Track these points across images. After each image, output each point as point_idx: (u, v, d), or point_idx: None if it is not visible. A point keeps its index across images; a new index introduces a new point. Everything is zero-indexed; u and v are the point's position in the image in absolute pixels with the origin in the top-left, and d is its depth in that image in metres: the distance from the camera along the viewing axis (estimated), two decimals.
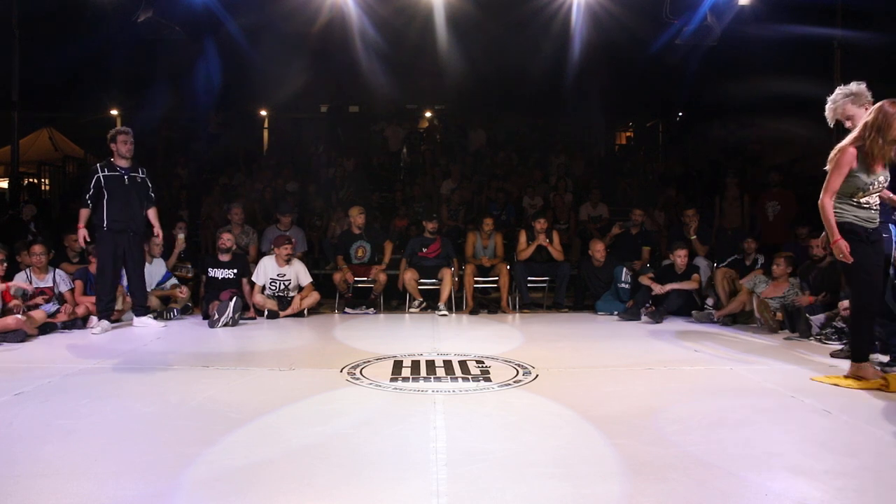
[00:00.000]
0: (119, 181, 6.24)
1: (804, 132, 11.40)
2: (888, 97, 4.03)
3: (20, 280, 6.23)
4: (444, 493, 2.42)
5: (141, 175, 6.40)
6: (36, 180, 13.07)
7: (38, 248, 6.34)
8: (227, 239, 7.31)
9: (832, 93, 4.31)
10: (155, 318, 6.88)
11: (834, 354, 5.10)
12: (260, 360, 5.14)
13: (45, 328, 5.97)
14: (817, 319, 5.80)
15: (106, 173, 6.21)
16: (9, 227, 8.65)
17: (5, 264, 6.01)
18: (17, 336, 5.50)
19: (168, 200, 10.56)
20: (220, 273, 7.19)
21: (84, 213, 6.16)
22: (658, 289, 7.07)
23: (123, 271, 6.38)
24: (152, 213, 6.50)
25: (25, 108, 10.67)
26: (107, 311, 6.22)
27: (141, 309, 6.48)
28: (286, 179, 11.43)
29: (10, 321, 5.53)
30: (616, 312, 7.32)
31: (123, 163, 6.27)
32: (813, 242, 6.33)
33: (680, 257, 7.27)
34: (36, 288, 6.29)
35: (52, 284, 6.39)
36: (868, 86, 4.35)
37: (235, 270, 7.23)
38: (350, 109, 17.07)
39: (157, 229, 6.59)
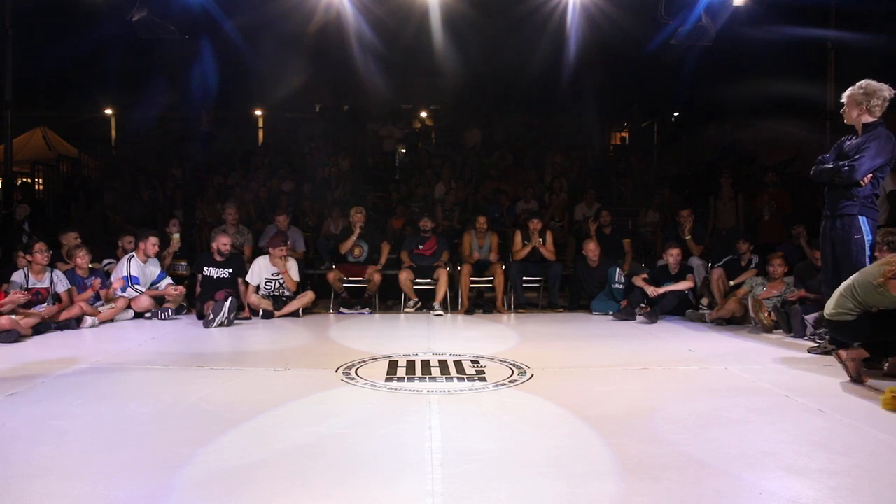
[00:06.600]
0: None
1: (799, 132, 11.47)
2: None
3: (18, 279, 6.21)
4: (439, 493, 2.42)
5: None
6: (30, 180, 13.01)
7: (40, 247, 6.32)
8: (223, 244, 7.28)
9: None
10: (149, 317, 6.90)
11: (811, 350, 5.18)
12: (255, 360, 5.13)
13: (39, 328, 5.94)
14: (811, 318, 5.82)
15: None
16: (2, 226, 8.62)
17: None
18: (11, 336, 5.48)
19: (163, 200, 10.54)
20: (215, 272, 7.18)
21: None
22: (652, 291, 7.08)
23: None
24: None
25: (19, 107, 10.62)
26: None
27: None
28: (281, 179, 11.40)
29: (4, 321, 5.51)
30: (611, 312, 7.33)
31: None
32: (816, 254, 6.29)
33: (672, 256, 7.29)
34: (33, 288, 6.27)
35: (48, 285, 6.37)
36: None
37: (231, 270, 7.22)
38: (345, 109, 17.04)
39: None
